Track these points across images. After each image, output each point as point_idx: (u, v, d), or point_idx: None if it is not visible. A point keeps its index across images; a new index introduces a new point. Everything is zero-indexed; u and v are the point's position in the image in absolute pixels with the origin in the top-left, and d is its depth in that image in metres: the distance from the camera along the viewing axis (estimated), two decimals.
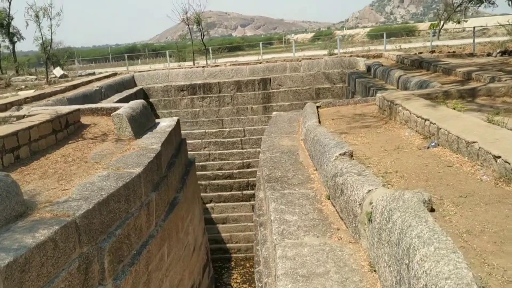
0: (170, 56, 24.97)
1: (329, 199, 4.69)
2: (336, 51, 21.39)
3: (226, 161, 17.96)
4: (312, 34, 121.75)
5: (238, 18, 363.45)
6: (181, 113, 17.95)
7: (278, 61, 18.99)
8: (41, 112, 8.32)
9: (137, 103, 9.27)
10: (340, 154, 4.83)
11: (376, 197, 3.44)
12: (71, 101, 12.21)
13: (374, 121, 7.33)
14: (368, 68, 16.04)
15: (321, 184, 5.16)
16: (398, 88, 11.73)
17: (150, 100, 18.02)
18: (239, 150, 17.96)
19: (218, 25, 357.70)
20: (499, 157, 3.86)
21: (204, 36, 23.14)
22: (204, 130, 17.98)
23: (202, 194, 17.63)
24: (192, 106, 17.93)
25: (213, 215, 18.10)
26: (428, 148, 5.24)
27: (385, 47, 21.70)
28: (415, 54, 19.98)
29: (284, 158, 6.36)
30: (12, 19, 23.25)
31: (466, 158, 4.51)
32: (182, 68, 19.63)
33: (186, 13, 22.41)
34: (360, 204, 3.62)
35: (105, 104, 9.99)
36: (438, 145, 5.22)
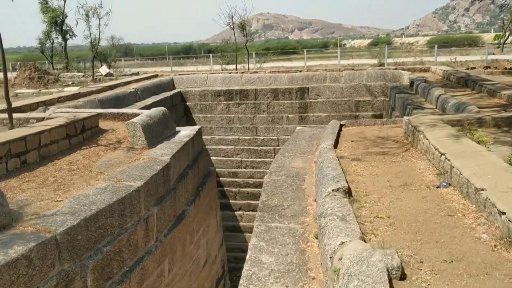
0: (222, 56, 24.83)
1: (317, 238, 4.28)
2: (385, 60, 20.55)
3: (257, 170, 17.68)
4: (370, 41, 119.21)
5: (296, 21, 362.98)
6: (216, 118, 17.88)
7: (319, 71, 18.49)
8: (60, 116, 8.40)
9: (158, 110, 9.17)
10: (332, 190, 4.40)
11: (347, 253, 3.01)
12: (102, 103, 12.37)
13: (394, 148, 6.78)
14: (411, 83, 15.22)
15: (314, 219, 4.75)
16: (436, 107, 10.98)
17: (187, 103, 18.07)
18: (271, 159, 17.56)
19: (275, 27, 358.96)
20: (504, 213, 3.31)
21: (247, 41, 22.97)
22: (237, 137, 17.79)
23: (232, 201, 17.46)
24: (228, 112, 17.79)
25: (241, 223, 17.87)
26: (438, 187, 4.69)
27: (436, 60, 20.61)
28: (466, 69, 18.84)
29: (288, 183, 5.98)
30: (66, 17, 24.17)
31: (474, 206, 3.96)
32: (221, 73, 19.56)
33: (232, 17, 22.36)
34: (331, 257, 3.21)
35: (126, 109, 9.99)
36: (450, 185, 4.66)
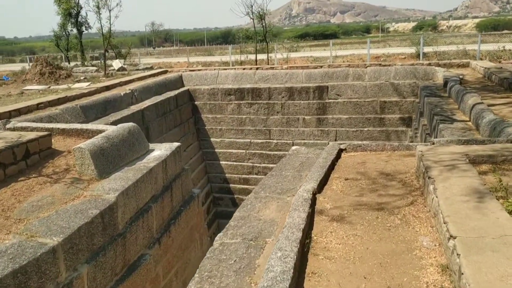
0: (241, 46, 23.20)
1: None
2: (421, 50, 18.23)
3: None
4: (414, 24, 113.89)
5: (338, 4, 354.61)
6: (226, 119, 16.34)
7: (340, 67, 16.52)
8: (3, 137, 7.09)
9: (123, 128, 7.71)
10: None
11: None
12: (85, 110, 11.08)
13: (398, 196, 5.00)
14: (445, 83, 13.08)
15: None
16: (469, 120, 8.97)
17: (195, 102, 16.62)
18: None
19: (317, 11, 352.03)
20: None
21: (266, 32, 21.15)
22: (249, 140, 16.21)
23: None
24: (239, 113, 16.21)
25: None
26: None
27: (479, 50, 18.07)
28: None
29: (238, 255, 4.36)
30: (81, 8, 23.17)
31: None
32: (234, 69, 17.93)
33: (251, 6, 20.59)
34: None
35: (91, 125, 8.61)
36: None
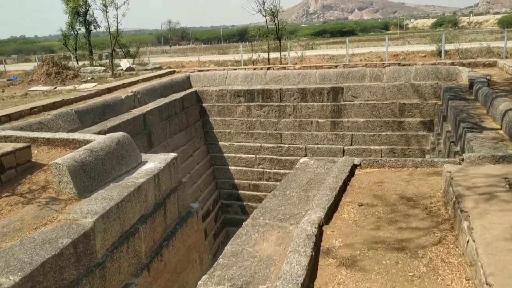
0: (252, 44, 22.32)
1: None
2: (443, 48, 17.10)
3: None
4: (434, 20, 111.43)
5: (356, 0, 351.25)
6: (235, 122, 15.52)
7: (357, 66, 15.54)
8: None
9: (110, 139, 6.93)
10: None
11: None
12: (80, 115, 10.37)
13: (422, 231, 4.09)
14: (471, 84, 12.02)
15: None
16: (501, 128, 7.97)
17: (203, 104, 15.84)
18: None
19: (334, 8, 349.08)
20: None
21: (279, 30, 20.23)
22: (259, 144, 15.36)
23: None
24: (249, 115, 15.37)
25: None
26: None
27: (506, 47, 16.86)
28: None
29: None
30: (89, 6, 22.58)
31: None
32: (244, 69, 17.09)
33: (264, 3, 19.69)
34: None
35: (79, 134, 7.88)
36: None
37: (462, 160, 5.70)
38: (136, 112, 12.03)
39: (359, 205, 4.88)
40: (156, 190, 6.93)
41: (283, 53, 20.26)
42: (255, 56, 21.03)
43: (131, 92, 12.87)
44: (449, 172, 4.78)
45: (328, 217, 4.62)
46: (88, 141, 7.24)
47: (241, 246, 4.49)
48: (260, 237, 4.63)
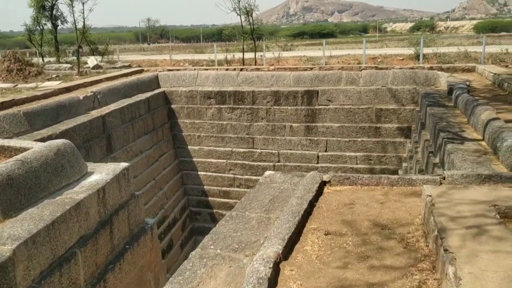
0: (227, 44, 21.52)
1: None
2: (421, 51, 16.65)
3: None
4: (412, 24, 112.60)
5: (336, 3, 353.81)
6: (205, 125, 14.72)
7: (333, 69, 14.93)
8: None
9: (48, 148, 6.06)
10: None
11: None
12: (30, 117, 9.42)
13: (398, 272, 3.39)
14: (450, 90, 11.52)
15: None
16: (483, 139, 7.40)
17: (172, 106, 14.99)
18: None
19: (314, 10, 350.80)
20: None
21: (254, 29, 19.50)
22: (230, 149, 14.59)
23: None
24: (219, 118, 14.59)
25: None
26: None
27: (484, 52, 16.49)
28: None
29: None
30: (55, 0, 21.39)
31: None
32: (216, 69, 16.31)
33: (239, 1, 18.92)
34: None
35: (15, 141, 6.99)
36: None
37: (443, 178, 5.06)
38: (95, 113, 11.11)
39: (326, 234, 4.17)
40: (101, 206, 6.09)
41: (259, 53, 19.55)
42: (229, 56, 20.27)
43: (91, 92, 11.93)
44: (430, 196, 4.11)
45: (288, 249, 3.90)
46: (25, 149, 6.35)
47: (182, 286, 3.72)
48: (207, 274, 3.88)
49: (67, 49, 24.55)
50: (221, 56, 20.76)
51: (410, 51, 18.65)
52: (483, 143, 7.31)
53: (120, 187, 6.71)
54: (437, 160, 8.10)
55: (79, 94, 11.70)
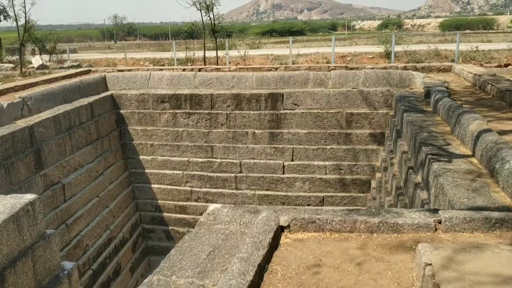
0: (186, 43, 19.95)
1: None
2: (392, 49, 15.56)
3: (214, 204, 13.00)
4: (380, 22, 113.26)
5: (305, 1, 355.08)
6: (159, 132, 13.17)
7: (300, 69, 13.64)
8: None
9: None
10: None
11: None
12: None
13: None
14: (427, 93, 10.38)
15: None
16: (473, 155, 6.20)
17: (121, 111, 13.36)
18: (232, 191, 12.94)
19: (284, 7, 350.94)
20: None
21: (214, 26, 18.00)
22: (187, 159, 13.10)
23: None
24: (174, 124, 13.07)
25: None
26: None
27: (458, 51, 15.53)
28: (498, 67, 13.98)
29: None
30: None
31: None
32: (172, 69, 14.78)
33: None
34: None
35: None
36: None
37: (439, 222, 3.78)
38: (21, 124, 9.42)
39: None
40: None
41: (224, 52, 18.12)
42: (196, 55, 18.73)
43: (19, 97, 10.21)
44: (429, 265, 2.79)
45: None
46: None
47: None
48: None
49: (12, 47, 22.43)
50: (181, 55, 19.24)
51: (380, 49, 17.65)
52: (474, 160, 6.10)
53: (21, 228, 5.14)
54: (419, 178, 6.87)
55: (4, 100, 9.97)
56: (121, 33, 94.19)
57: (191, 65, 17.26)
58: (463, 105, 8.35)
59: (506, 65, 15.00)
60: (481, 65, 15.13)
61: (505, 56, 16.62)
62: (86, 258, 10.28)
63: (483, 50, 17.66)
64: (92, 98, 12.32)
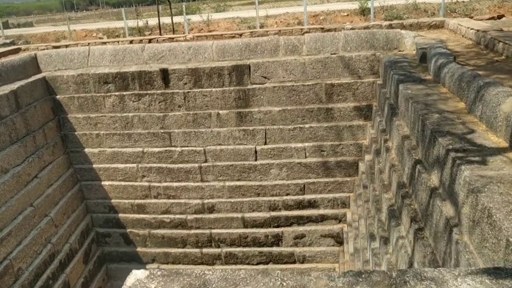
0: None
1: None
2: (371, 4, 13.59)
3: (176, 200, 11.14)
4: None
5: None
6: (105, 119, 11.04)
7: (268, 34, 11.58)
8: None
9: None
10: None
11: None
12: None
13: None
14: (423, 56, 8.51)
15: None
16: (510, 148, 4.42)
17: (58, 97, 11.13)
18: (197, 184, 11.03)
19: None
20: None
21: None
22: (141, 149, 11.07)
23: (139, 249, 11.03)
24: (123, 109, 10.94)
25: None
26: None
27: (443, 5, 13.55)
28: (491, 19, 12.27)
29: None
30: None
31: None
32: (117, 42, 12.50)
33: None
34: None
35: None
36: None
37: None
38: None
39: None
40: None
41: (183, 17, 15.84)
42: (141, 23, 16.39)
43: None
44: None
45: None
46: None
47: None
48: None
49: None
50: (140, 24, 16.86)
51: (355, 5, 15.74)
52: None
53: None
54: (434, 181, 5.07)
55: None
56: (82, 3, 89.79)
57: (149, 34, 14.99)
58: (476, 72, 6.52)
59: (499, 17, 13.26)
60: (471, 17, 13.35)
61: (486, 6, 14.90)
62: (19, 287, 8.33)
63: (463, 1, 16.09)
64: (16, 85, 10.05)
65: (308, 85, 10.19)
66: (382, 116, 8.81)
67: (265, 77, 10.33)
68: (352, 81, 10.08)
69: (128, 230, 11.40)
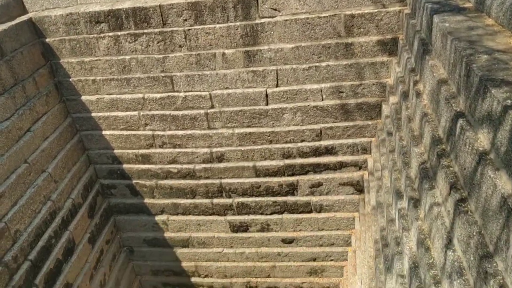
0: None
1: None
2: None
3: (182, 149, 10.38)
4: None
5: None
6: (100, 63, 10.06)
7: None
8: None
9: None
10: None
11: None
12: None
13: None
14: None
15: None
16: None
17: (47, 40, 10.10)
18: (204, 131, 10.19)
19: None
20: None
21: None
22: (141, 95, 10.16)
23: (147, 200, 10.50)
24: (118, 52, 9.90)
25: (167, 234, 11.11)
26: None
27: None
28: None
29: None
30: None
31: None
32: None
33: None
34: None
35: None
36: None
37: None
38: None
39: None
40: None
41: None
42: None
43: None
44: None
45: None
46: None
47: None
48: None
49: None
50: None
51: None
52: None
53: None
54: (483, 142, 4.06)
55: None
56: None
57: None
58: None
59: None
60: None
61: None
62: (18, 249, 7.86)
63: None
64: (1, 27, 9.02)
65: (324, 16, 8.92)
66: (411, 52, 7.62)
67: (275, 9, 9.06)
68: (376, 10, 8.75)
69: (134, 181, 10.79)
